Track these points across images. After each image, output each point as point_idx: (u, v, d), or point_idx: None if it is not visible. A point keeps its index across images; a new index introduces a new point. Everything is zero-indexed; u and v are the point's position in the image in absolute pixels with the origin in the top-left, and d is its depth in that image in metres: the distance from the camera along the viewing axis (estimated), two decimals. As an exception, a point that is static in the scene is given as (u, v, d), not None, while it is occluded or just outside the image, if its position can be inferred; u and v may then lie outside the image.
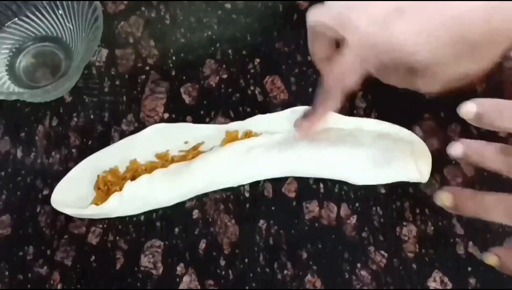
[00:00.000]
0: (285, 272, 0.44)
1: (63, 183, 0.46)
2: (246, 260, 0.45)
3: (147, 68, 0.52)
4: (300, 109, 0.48)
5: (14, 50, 0.52)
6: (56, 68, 0.52)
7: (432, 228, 0.46)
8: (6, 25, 0.52)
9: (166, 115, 0.50)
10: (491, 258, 0.36)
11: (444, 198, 0.35)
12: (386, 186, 0.47)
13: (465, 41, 0.35)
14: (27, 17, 0.52)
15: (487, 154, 0.34)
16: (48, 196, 0.47)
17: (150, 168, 0.47)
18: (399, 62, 0.37)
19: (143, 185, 0.45)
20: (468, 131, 0.48)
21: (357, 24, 0.38)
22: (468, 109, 0.35)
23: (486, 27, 0.35)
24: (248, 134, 0.48)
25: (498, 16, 0.35)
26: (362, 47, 0.38)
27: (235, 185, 0.47)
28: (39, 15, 0.52)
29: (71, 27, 0.52)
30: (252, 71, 0.52)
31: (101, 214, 0.46)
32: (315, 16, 0.41)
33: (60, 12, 0.52)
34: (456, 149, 0.34)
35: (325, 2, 0.41)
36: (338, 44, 0.41)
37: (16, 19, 0.52)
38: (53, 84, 0.46)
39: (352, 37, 0.39)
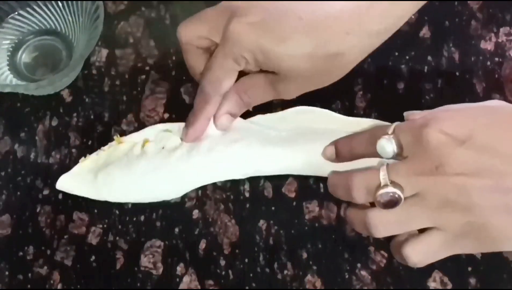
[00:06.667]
0: (285, 272, 0.44)
1: (63, 178, 0.46)
2: (246, 260, 0.45)
3: (147, 68, 0.52)
4: (300, 109, 0.48)
5: (15, 44, 0.52)
6: (57, 63, 0.52)
7: (432, 228, 0.46)
8: (7, 17, 0.52)
9: (166, 115, 0.50)
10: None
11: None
12: (386, 186, 0.47)
13: (326, 55, 0.38)
14: (29, 10, 0.52)
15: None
16: (48, 196, 0.47)
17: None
18: (267, 65, 0.39)
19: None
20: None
21: (233, 29, 0.39)
22: (327, 153, 0.43)
23: (346, 38, 0.38)
24: None
25: (356, 27, 0.38)
26: (232, 45, 0.39)
27: (233, 178, 0.46)
28: (41, 9, 0.52)
29: (73, 21, 0.51)
30: (252, 71, 0.52)
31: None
32: (188, 31, 0.42)
33: (62, 5, 0.51)
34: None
35: (195, 15, 0.43)
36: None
37: (18, 12, 0.52)
38: (50, 79, 0.46)
39: (225, 40, 0.40)
